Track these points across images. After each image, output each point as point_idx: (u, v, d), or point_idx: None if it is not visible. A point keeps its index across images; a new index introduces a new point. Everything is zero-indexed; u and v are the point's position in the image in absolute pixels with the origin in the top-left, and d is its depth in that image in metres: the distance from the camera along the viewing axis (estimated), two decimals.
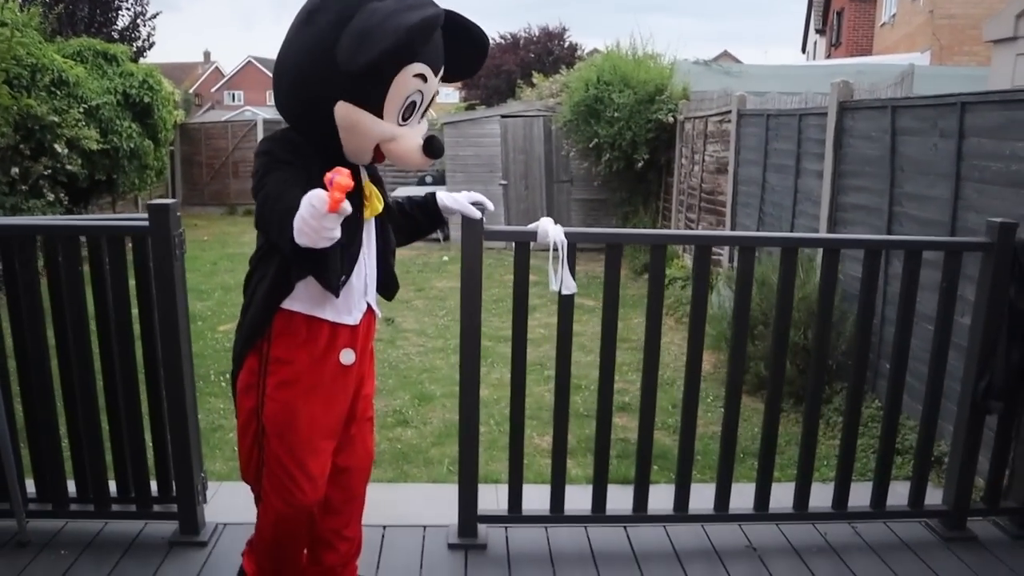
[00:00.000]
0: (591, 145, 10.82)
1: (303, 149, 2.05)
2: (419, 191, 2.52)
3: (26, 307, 2.64)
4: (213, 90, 51.17)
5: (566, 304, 2.73)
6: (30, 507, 2.81)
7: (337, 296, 2.09)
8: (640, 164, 10.59)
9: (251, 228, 10.98)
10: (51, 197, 9.28)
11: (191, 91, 28.58)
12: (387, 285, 2.34)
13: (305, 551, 2.39)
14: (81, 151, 9.51)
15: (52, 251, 2.63)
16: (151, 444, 2.79)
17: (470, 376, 2.72)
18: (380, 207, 2.23)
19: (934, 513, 3.07)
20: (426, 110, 2.16)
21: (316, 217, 1.71)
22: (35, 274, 2.63)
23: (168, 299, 2.55)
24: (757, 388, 5.19)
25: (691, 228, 9.40)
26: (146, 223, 2.54)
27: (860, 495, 3.06)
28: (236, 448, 4.25)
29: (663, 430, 4.73)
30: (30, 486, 2.85)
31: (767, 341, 5.27)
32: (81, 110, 9.55)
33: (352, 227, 2.03)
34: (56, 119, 9.03)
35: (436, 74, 2.09)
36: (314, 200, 1.70)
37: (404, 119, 2.07)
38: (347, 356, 2.19)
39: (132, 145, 10.69)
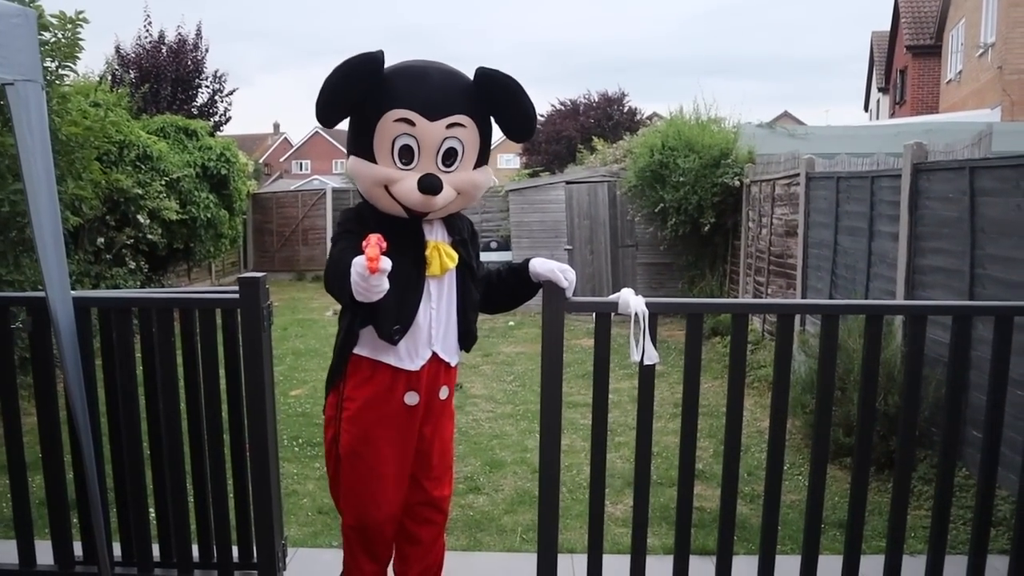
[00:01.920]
0: (656, 210, 10.83)
1: (371, 219, 2.40)
2: (488, 257, 2.66)
3: (121, 374, 2.74)
4: (282, 160, 52.89)
5: (647, 373, 2.71)
6: (116, 570, 2.87)
7: (393, 344, 2.39)
8: (706, 228, 10.55)
9: (320, 294, 11.23)
10: (132, 265, 9.65)
11: (261, 161, 29.59)
12: (464, 337, 2.58)
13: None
14: (161, 221, 9.90)
15: (147, 322, 2.73)
16: (234, 509, 2.84)
17: (551, 446, 2.72)
18: (451, 264, 2.46)
19: None
20: (450, 158, 2.38)
21: (363, 278, 2.07)
22: (130, 343, 2.73)
23: (256, 368, 2.62)
24: (836, 455, 5.05)
25: (760, 291, 9.28)
26: (236, 295, 2.63)
27: (955, 570, 2.93)
28: (310, 512, 4.31)
29: (740, 498, 4.61)
30: (116, 549, 2.92)
31: (844, 407, 5.14)
32: (163, 183, 9.97)
33: (411, 283, 2.37)
34: (140, 191, 9.44)
35: (433, 118, 2.31)
36: (357, 267, 2.08)
37: (405, 163, 2.34)
38: (411, 398, 2.49)
39: (209, 215, 11.09)
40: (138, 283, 9.67)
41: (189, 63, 18.18)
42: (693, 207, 10.47)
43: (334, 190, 17.41)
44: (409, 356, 2.44)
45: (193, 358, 2.73)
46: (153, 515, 2.90)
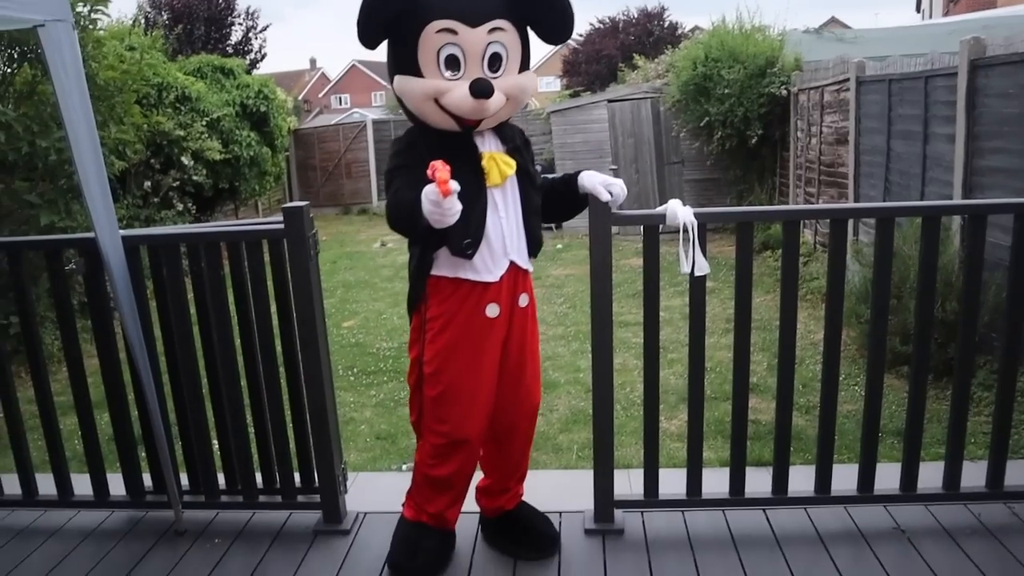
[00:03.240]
0: (702, 124, 10.59)
1: (418, 145, 2.40)
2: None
3: (174, 312, 2.78)
4: (320, 95, 52.76)
5: (698, 285, 2.67)
6: (184, 499, 2.97)
7: (468, 259, 2.40)
8: (754, 140, 10.30)
9: (367, 226, 11.37)
10: (180, 207, 9.79)
11: (300, 97, 29.55)
12: (531, 243, 2.56)
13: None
14: (205, 162, 9.99)
15: (196, 258, 2.76)
16: (293, 438, 2.90)
17: (603, 362, 2.71)
18: (509, 172, 2.45)
19: None
20: (496, 63, 2.35)
21: (436, 204, 2.10)
22: (181, 280, 2.77)
23: (306, 297, 2.64)
24: (892, 364, 4.98)
25: (811, 203, 9.08)
26: (281, 226, 2.63)
27: (1017, 474, 2.89)
28: (368, 439, 4.40)
29: (795, 410, 4.59)
30: (183, 480, 3.02)
31: (900, 315, 5.04)
32: (204, 123, 10.02)
33: (473, 195, 2.35)
34: (182, 133, 9.51)
35: (475, 24, 2.28)
36: (429, 195, 2.12)
37: (452, 73, 2.32)
38: (492, 310, 2.48)
39: (252, 153, 11.15)
40: (187, 224, 9.82)
41: (220, 1, 18.06)
42: (739, 119, 10.21)
43: (374, 122, 17.35)
44: (487, 268, 2.44)
45: (244, 291, 2.76)
46: (217, 446, 2.98)
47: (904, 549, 2.67)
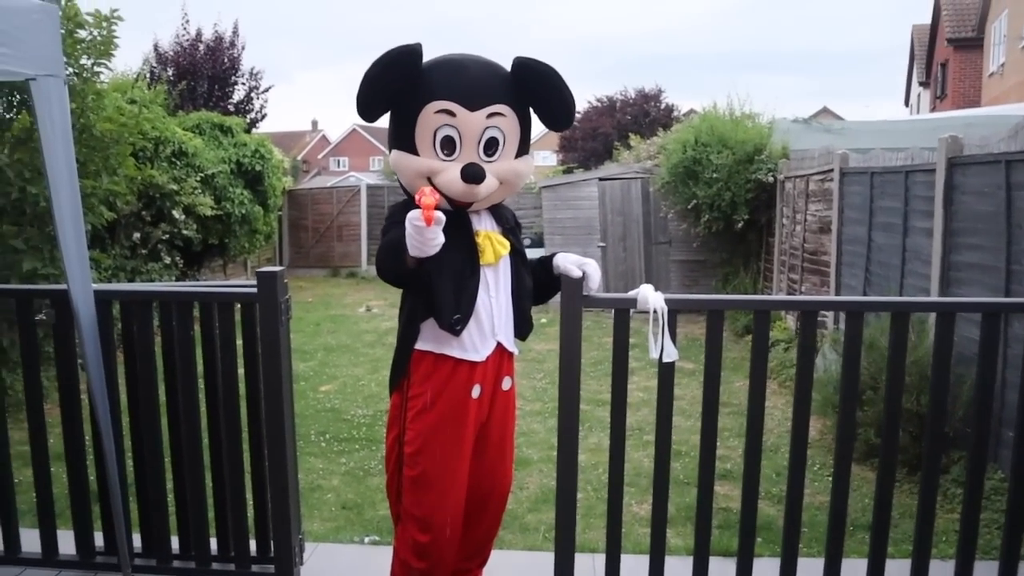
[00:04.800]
0: (690, 206, 10.73)
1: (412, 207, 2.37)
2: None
3: (141, 369, 2.76)
4: (320, 156, 53.34)
5: (667, 370, 2.67)
6: (135, 562, 2.90)
7: (455, 335, 2.37)
8: (740, 224, 10.43)
9: (352, 290, 11.33)
10: (168, 260, 9.77)
11: (299, 158, 29.85)
12: (520, 325, 2.57)
13: None
14: (196, 217, 10.02)
15: (167, 315, 2.75)
16: (252, 504, 2.85)
17: (568, 443, 2.68)
18: (503, 252, 2.47)
19: None
20: (492, 147, 2.40)
21: (418, 231, 2.10)
22: (151, 337, 2.76)
23: (273, 363, 2.62)
24: (866, 456, 4.96)
25: (793, 289, 9.15)
26: (254, 290, 2.63)
27: (985, 575, 2.85)
28: (334, 508, 4.33)
29: (766, 499, 4.54)
30: (136, 541, 2.95)
31: (877, 407, 5.03)
32: (198, 179, 10.09)
33: (467, 272, 2.37)
34: (175, 187, 9.56)
35: (474, 108, 2.33)
36: (412, 219, 2.11)
37: (447, 154, 2.36)
38: (475, 391, 2.47)
39: (243, 211, 11.20)
40: (173, 278, 9.80)
41: (225, 60, 18.39)
42: (726, 204, 10.35)
43: (369, 187, 17.51)
44: (474, 347, 2.43)
45: (212, 352, 2.74)
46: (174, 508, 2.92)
47: None
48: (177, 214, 9.69)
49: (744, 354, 8.06)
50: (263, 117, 19.24)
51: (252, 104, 18.89)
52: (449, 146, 2.35)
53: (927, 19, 26.33)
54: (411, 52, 2.33)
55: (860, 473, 4.68)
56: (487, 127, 2.36)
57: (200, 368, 2.77)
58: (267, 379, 2.65)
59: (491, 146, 2.38)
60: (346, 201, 17.13)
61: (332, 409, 6.50)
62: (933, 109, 25.53)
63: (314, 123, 58.49)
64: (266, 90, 19.22)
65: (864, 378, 5.09)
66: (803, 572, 2.84)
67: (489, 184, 2.36)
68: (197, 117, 11.70)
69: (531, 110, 2.50)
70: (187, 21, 18.56)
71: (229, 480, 2.80)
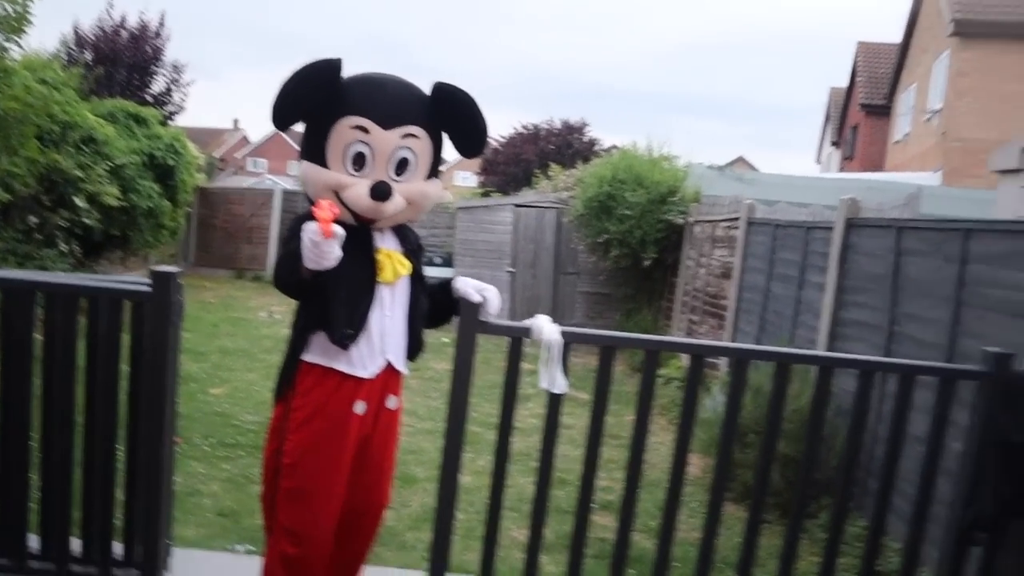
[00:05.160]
0: (600, 240, 10.92)
1: None
2: (430, 272, 2.69)
3: (15, 357, 2.65)
4: (238, 156, 52.20)
5: (555, 399, 2.73)
6: None
7: (344, 348, 2.37)
8: (647, 263, 10.67)
9: (257, 294, 11.06)
10: (64, 248, 9.39)
11: (217, 155, 29.15)
12: (412, 346, 2.58)
13: None
14: (100, 206, 9.67)
15: (51, 306, 2.65)
16: (124, 506, 2.76)
17: (451, 463, 2.71)
18: (403, 272, 2.48)
19: None
20: (403, 167, 2.41)
21: (315, 244, 2.11)
22: (30, 326, 2.65)
23: (158, 363, 2.57)
24: (745, 497, 5.10)
25: (692, 330, 9.40)
26: (147, 288, 2.57)
27: None
28: (210, 514, 4.22)
29: (645, 532, 4.64)
30: None
31: (758, 449, 5.21)
32: (106, 167, 9.75)
33: (363, 288, 2.38)
34: (80, 174, 9.22)
35: (388, 127, 2.35)
36: (309, 232, 2.13)
37: (357, 170, 2.36)
38: (359, 407, 2.46)
39: (150, 204, 10.86)
40: (68, 267, 9.41)
41: (148, 50, 17.88)
42: (636, 241, 10.57)
43: (284, 191, 17.22)
44: (362, 363, 2.42)
45: (94, 349, 2.66)
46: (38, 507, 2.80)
47: None
48: (79, 201, 9.33)
49: (633, 389, 8.21)
50: (181, 111, 18.76)
51: (171, 97, 18.39)
52: (360, 162, 2.36)
53: (844, 83, 27.58)
54: (329, 66, 2.34)
55: (736, 513, 4.82)
56: (400, 147, 2.38)
57: (83, 363, 2.69)
58: (150, 379, 2.58)
59: (402, 166, 2.41)
60: (259, 204, 16.80)
61: (221, 413, 6.34)
62: (842, 169, 26.68)
63: (235, 122, 57.28)
64: (188, 84, 18.76)
65: (748, 422, 5.26)
66: None
67: (396, 203, 2.38)
68: (112, 105, 11.33)
69: (444, 134, 2.54)
70: (112, 5, 18.02)
71: (100, 479, 2.71)
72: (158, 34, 18.18)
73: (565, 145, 29.45)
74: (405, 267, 2.50)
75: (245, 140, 55.93)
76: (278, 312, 11.92)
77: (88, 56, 16.63)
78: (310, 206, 2.49)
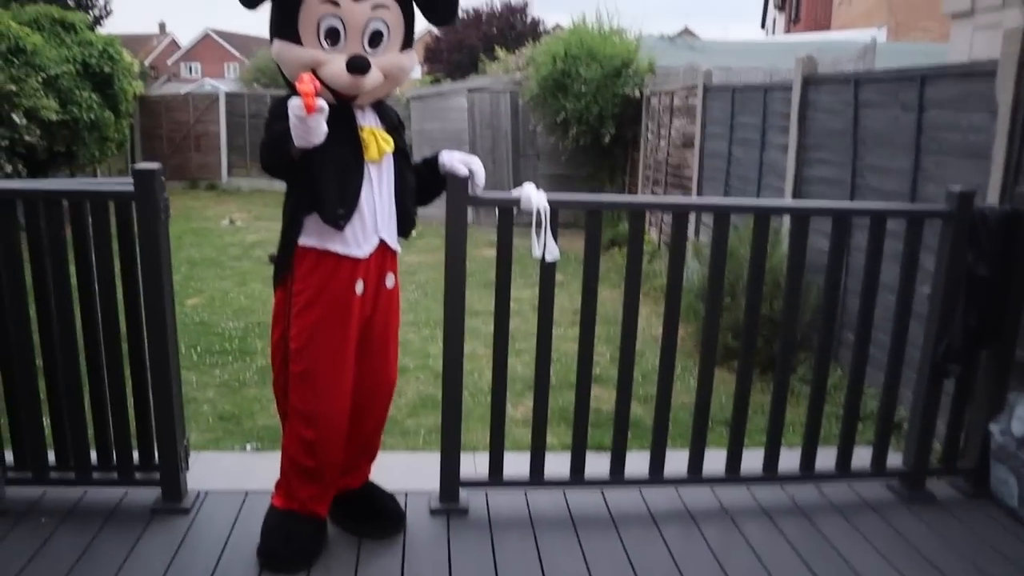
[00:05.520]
0: (558, 120, 10.83)
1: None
2: None
3: (6, 274, 2.62)
4: (169, 62, 50.08)
5: (547, 274, 2.78)
6: (9, 475, 2.81)
7: (339, 229, 2.38)
8: (607, 139, 10.64)
9: (213, 203, 10.94)
10: (8, 169, 9.08)
11: (146, 63, 27.93)
12: (403, 223, 2.58)
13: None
14: (40, 122, 9.32)
15: (33, 216, 2.60)
16: (133, 412, 2.80)
17: (454, 347, 2.78)
18: (387, 149, 2.47)
19: (895, 474, 3.20)
20: (377, 39, 2.38)
21: (301, 120, 2.10)
22: (16, 239, 2.61)
23: (154, 267, 2.56)
24: (724, 358, 5.29)
25: None
26: (131, 188, 2.54)
27: (826, 459, 3.17)
28: (211, 419, 4.29)
29: (634, 400, 4.81)
30: (8, 456, 2.85)
31: (733, 313, 5.37)
32: (40, 79, 9.36)
33: (350, 167, 2.38)
34: (14, 88, 8.84)
35: None
36: (294, 108, 2.11)
37: (331, 44, 2.33)
38: (358, 287, 2.48)
39: (92, 116, 10.50)
40: None
41: None
42: (594, 117, 10.52)
43: (228, 95, 16.70)
44: (356, 242, 2.44)
45: (86, 256, 2.63)
46: (49, 421, 2.83)
47: (727, 527, 2.89)
48: (17, 118, 8.98)
49: (608, 265, 8.35)
50: (108, 14, 17.87)
51: (95, 0, 17.47)
52: (333, 36, 2.32)
53: None
54: None
55: (717, 374, 4.99)
56: (371, 19, 2.34)
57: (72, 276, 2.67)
58: (147, 283, 2.58)
59: (376, 38, 2.37)
60: (203, 109, 16.31)
61: (202, 323, 6.35)
62: (788, 32, 26.48)
63: (162, 26, 54.67)
64: None
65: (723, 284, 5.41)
66: (670, 462, 3.07)
67: (374, 77, 2.35)
68: (34, 11, 10.76)
69: (414, 4, 2.49)
70: None
71: (110, 389, 2.73)
72: None
73: (508, 27, 28.69)
74: (389, 144, 2.50)
75: (175, 45, 53.55)
76: (240, 219, 11.79)
77: None
78: (288, 88, 2.46)
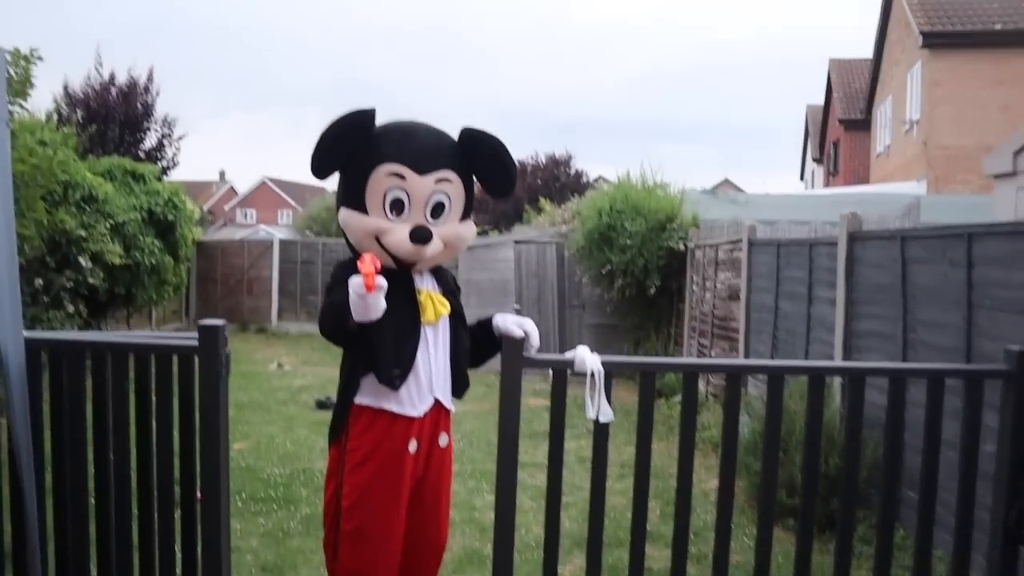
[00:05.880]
0: (604, 271, 10.99)
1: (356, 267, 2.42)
2: None
3: (70, 421, 2.67)
4: (227, 208, 52.31)
5: (601, 430, 2.77)
6: None
7: (394, 389, 2.44)
8: (652, 290, 10.74)
9: (262, 346, 11.11)
10: (71, 309, 9.41)
11: (205, 208, 29.24)
12: (457, 384, 2.66)
13: None
14: (104, 265, 9.72)
15: (100, 366, 2.68)
16: (180, 566, 2.76)
17: (506, 504, 2.72)
18: (444, 311, 2.57)
19: None
20: (439, 211, 2.50)
21: (360, 296, 2.18)
22: (82, 388, 2.68)
23: (212, 420, 2.58)
24: (778, 516, 5.11)
25: (703, 353, 9.44)
26: (194, 343, 2.61)
27: None
28: (253, 570, 4.21)
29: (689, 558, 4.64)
30: None
31: (786, 468, 5.23)
32: (108, 225, 9.82)
33: (407, 329, 2.45)
34: (83, 233, 9.28)
35: (423, 173, 2.43)
36: (354, 286, 2.20)
37: (396, 215, 2.44)
38: (412, 445, 2.52)
39: (153, 261, 10.92)
40: (75, 327, 9.41)
41: (139, 106, 18.03)
42: (640, 270, 10.65)
43: (281, 241, 17.31)
44: (411, 402, 2.50)
45: (146, 405, 2.69)
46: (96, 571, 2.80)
47: None
48: (84, 261, 9.38)
49: (656, 417, 8.23)
50: (175, 165, 18.89)
51: (164, 151, 18.51)
52: (398, 207, 2.44)
53: (820, 100, 27.95)
54: (365, 116, 2.43)
55: (776, 533, 4.83)
56: (435, 191, 2.47)
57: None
58: (205, 436, 2.60)
59: (438, 210, 2.49)
60: (258, 255, 16.87)
61: (247, 468, 6.34)
62: (827, 184, 26.93)
63: (221, 173, 57.39)
64: (180, 138, 18.89)
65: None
66: None
67: (435, 246, 2.46)
68: (108, 163, 11.43)
69: (475, 177, 2.62)
70: (100, 63, 18.17)
71: (159, 542, 2.71)
72: (147, 89, 18.34)
73: (552, 179, 29.67)
74: (445, 306, 2.59)
75: (232, 191, 56.06)
76: (288, 364, 11.94)
77: (80, 115, 16.77)
78: (351, 253, 2.57)
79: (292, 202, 48.94)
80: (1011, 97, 14.54)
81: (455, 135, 2.59)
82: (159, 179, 12.58)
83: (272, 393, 9.77)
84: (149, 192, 11.39)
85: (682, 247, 10.49)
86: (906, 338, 5.03)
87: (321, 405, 8.79)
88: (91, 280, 9.55)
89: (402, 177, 2.42)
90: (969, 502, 2.96)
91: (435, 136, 2.55)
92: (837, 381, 5.56)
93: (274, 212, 51.03)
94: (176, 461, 2.70)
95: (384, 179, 2.42)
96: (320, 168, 2.48)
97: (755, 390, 7.03)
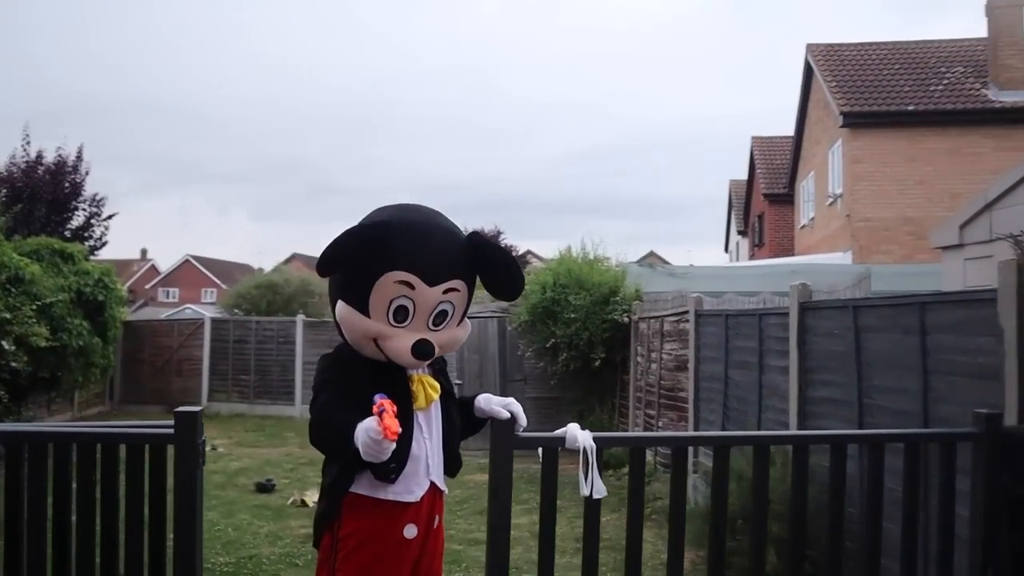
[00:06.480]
0: (548, 345, 11.00)
1: (354, 363, 2.43)
2: None
3: (29, 516, 2.49)
4: (148, 286, 51.08)
5: (594, 506, 2.71)
6: None
7: (391, 483, 2.38)
8: (597, 363, 10.78)
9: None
10: None
11: (126, 287, 28.42)
12: (450, 464, 2.59)
13: None
14: (28, 348, 9.30)
15: (63, 459, 2.52)
16: None
17: None
18: (435, 395, 2.50)
19: None
20: (441, 319, 2.45)
21: (376, 443, 2.13)
22: (44, 482, 2.51)
23: (187, 510, 2.45)
24: None
25: (651, 424, 9.45)
26: (168, 430, 2.49)
27: None
28: None
29: None
30: None
31: (750, 535, 5.20)
32: (34, 307, 9.44)
33: (400, 418, 2.30)
34: (8, 316, 8.89)
35: (433, 284, 2.38)
36: (371, 432, 2.13)
37: (398, 321, 2.38)
38: (409, 530, 2.44)
39: (81, 342, 10.52)
40: None
41: (67, 184, 17.57)
42: (584, 343, 10.70)
43: (213, 320, 16.89)
44: (408, 489, 2.43)
45: (113, 497, 2.53)
46: None
47: None
48: (7, 345, 8.96)
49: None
50: (103, 245, 18.37)
51: (92, 231, 18.02)
52: (402, 314, 2.39)
53: (742, 175, 28.97)
54: (384, 226, 2.38)
55: None
56: (441, 301, 2.44)
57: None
58: (180, 527, 2.46)
59: (441, 318, 2.46)
60: (188, 334, 16.41)
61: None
62: (752, 256, 27.71)
63: (143, 252, 56.26)
64: (108, 217, 18.44)
65: (736, 508, 5.27)
66: None
67: (434, 355, 2.44)
68: (36, 242, 11.09)
69: (478, 278, 2.59)
70: (28, 141, 17.71)
71: None
72: (76, 168, 17.91)
73: None
74: (436, 389, 2.53)
75: (155, 270, 54.85)
76: (221, 446, 11.51)
77: (3, 193, 16.24)
78: (343, 343, 2.49)
79: (217, 280, 48.09)
80: (925, 173, 15.39)
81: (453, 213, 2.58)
82: (87, 259, 12.22)
83: (208, 477, 9.36)
84: (78, 272, 11.06)
85: (626, 319, 10.59)
86: (862, 403, 5.10)
87: (262, 488, 8.49)
88: (14, 364, 9.10)
89: (411, 287, 2.36)
90: (948, 563, 2.97)
91: (447, 243, 2.47)
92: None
93: (198, 291, 49.99)
94: (145, 558, 2.54)
95: (392, 286, 2.36)
96: (328, 270, 2.43)
97: (708, 460, 7.04)
